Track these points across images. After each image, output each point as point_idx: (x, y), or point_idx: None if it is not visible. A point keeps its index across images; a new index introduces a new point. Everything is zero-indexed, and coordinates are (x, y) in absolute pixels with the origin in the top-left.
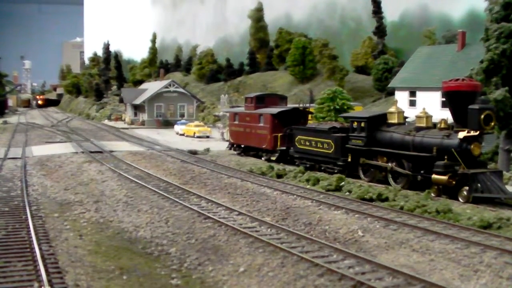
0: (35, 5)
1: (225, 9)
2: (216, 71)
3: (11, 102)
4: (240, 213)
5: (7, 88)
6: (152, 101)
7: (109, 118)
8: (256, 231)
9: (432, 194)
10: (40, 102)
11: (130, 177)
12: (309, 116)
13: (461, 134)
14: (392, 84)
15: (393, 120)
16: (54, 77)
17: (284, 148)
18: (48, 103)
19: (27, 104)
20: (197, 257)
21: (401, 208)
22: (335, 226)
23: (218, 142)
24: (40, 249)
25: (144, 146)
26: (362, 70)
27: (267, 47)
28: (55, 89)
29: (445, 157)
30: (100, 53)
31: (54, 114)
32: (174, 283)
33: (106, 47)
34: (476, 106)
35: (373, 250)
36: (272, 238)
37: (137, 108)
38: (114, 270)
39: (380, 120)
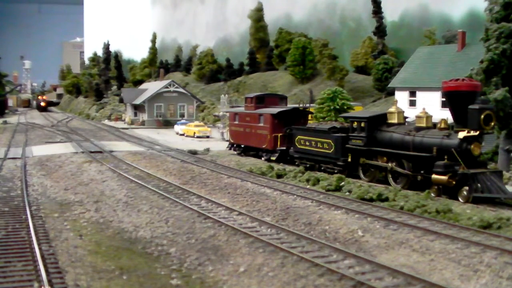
0: (35, 5)
1: (225, 9)
2: (216, 71)
3: (11, 102)
4: (240, 213)
5: (7, 88)
6: (152, 101)
7: (109, 118)
8: (256, 231)
9: (432, 194)
10: (42, 103)
11: (130, 177)
12: (309, 116)
13: (461, 134)
14: (392, 84)
15: (393, 120)
16: (54, 77)
17: (284, 148)
18: (50, 104)
19: (27, 104)
20: (197, 257)
21: (401, 208)
22: (335, 226)
23: (218, 142)
24: (40, 249)
25: (144, 146)
26: (362, 70)
27: (267, 47)
28: (55, 89)
29: (445, 157)
30: (100, 53)
31: (54, 114)
32: (174, 283)
33: (106, 47)
34: (476, 106)
35: (373, 250)
36: (272, 238)
37: (137, 108)
38: (114, 270)
39: (380, 120)
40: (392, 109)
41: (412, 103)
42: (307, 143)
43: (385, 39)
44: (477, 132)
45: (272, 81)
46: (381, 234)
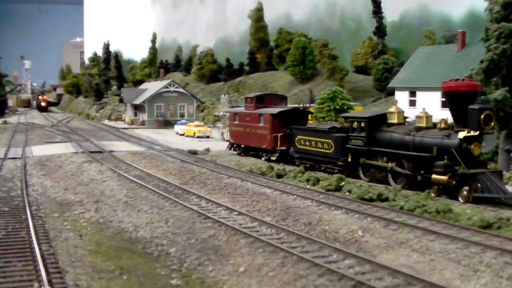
0: (35, 5)
1: (225, 9)
2: (216, 71)
3: (11, 102)
4: (240, 213)
5: (7, 88)
6: (152, 101)
7: (109, 118)
8: (256, 231)
9: (432, 194)
10: (43, 103)
11: (130, 177)
12: (309, 116)
13: (461, 134)
14: (392, 84)
15: (393, 120)
16: (54, 77)
17: (284, 148)
18: (50, 104)
19: (27, 104)
20: (197, 257)
21: (401, 208)
22: (335, 226)
23: (218, 142)
24: (40, 249)
25: (144, 146)
26: (362, 70)
27: (267, 47)
28: (55, 89)
29: (445, 157)
30: (100, 53)
31: (54, 114)
32: (174, 283)
33: (106, 47)
34: (476, 106)
35: (373, 250)
36: (272, 238)
37: (137, 108)
38: (114, 270)
39: (380, 120)
40: (392, 109)
41: (412, 103)
42: (307, 143)
43: (385, 39)
44: (477, 132)
45: (272, 81)
46: (381, 234)
